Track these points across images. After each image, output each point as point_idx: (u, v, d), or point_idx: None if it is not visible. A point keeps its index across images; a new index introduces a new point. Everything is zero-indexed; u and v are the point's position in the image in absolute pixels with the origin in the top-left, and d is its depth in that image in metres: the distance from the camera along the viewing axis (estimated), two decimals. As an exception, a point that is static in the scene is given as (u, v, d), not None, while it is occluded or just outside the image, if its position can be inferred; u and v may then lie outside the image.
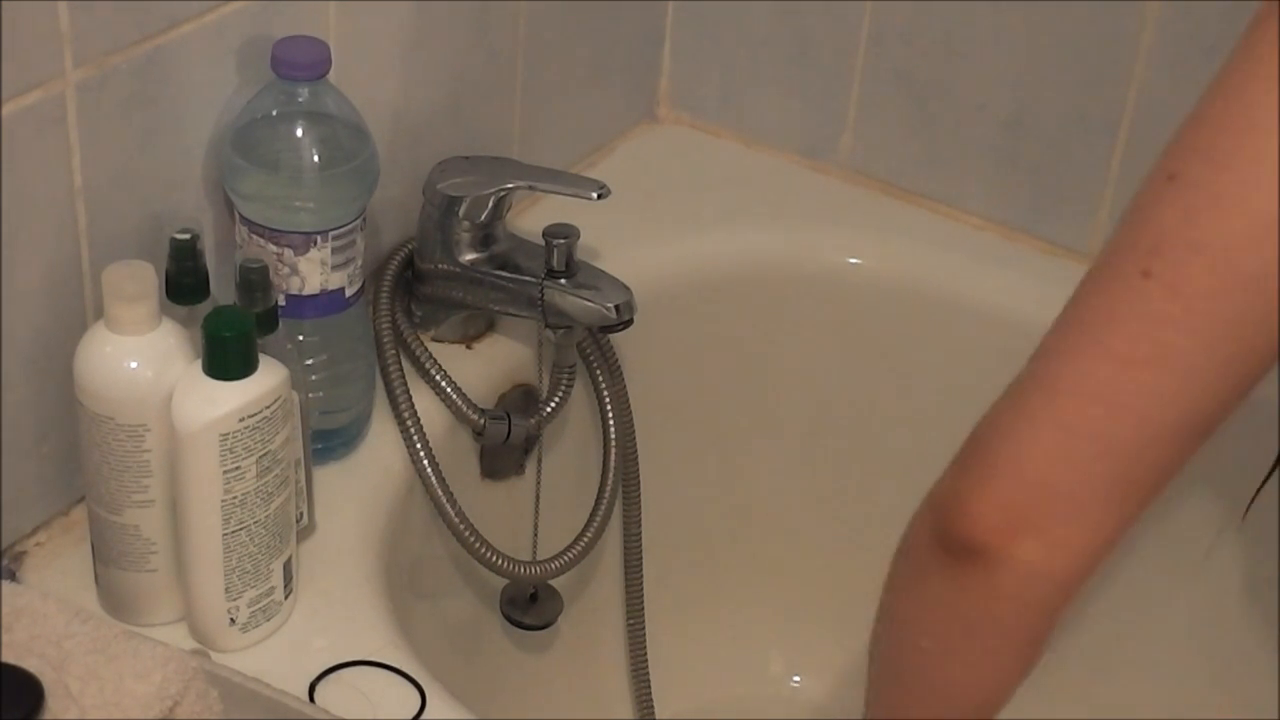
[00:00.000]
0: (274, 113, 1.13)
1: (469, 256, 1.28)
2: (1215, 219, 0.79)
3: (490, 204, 1.27)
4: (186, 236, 1.05)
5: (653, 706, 1.52)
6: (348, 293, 1.18)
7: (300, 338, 1.16)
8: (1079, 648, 1.51)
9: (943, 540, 0.88)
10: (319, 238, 1.14)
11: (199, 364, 1.01)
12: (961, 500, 0.86)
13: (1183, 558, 1.45)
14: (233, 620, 1.06)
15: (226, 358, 1.00)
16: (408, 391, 1.25)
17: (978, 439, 0.88)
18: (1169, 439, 0.83)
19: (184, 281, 1.06)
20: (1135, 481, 0.84)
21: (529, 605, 1.39)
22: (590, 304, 1.26)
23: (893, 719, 0.98)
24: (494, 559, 1.29)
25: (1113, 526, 0.84)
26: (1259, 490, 1.15)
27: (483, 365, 1.34)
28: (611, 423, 1.39)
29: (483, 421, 1.29)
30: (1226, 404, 0.83)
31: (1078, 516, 0.84)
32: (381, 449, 1.24)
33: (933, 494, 0.90)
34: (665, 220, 1.50)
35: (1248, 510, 1.21)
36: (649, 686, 1.52)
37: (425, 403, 1.26)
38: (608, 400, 1.38)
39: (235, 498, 1.02)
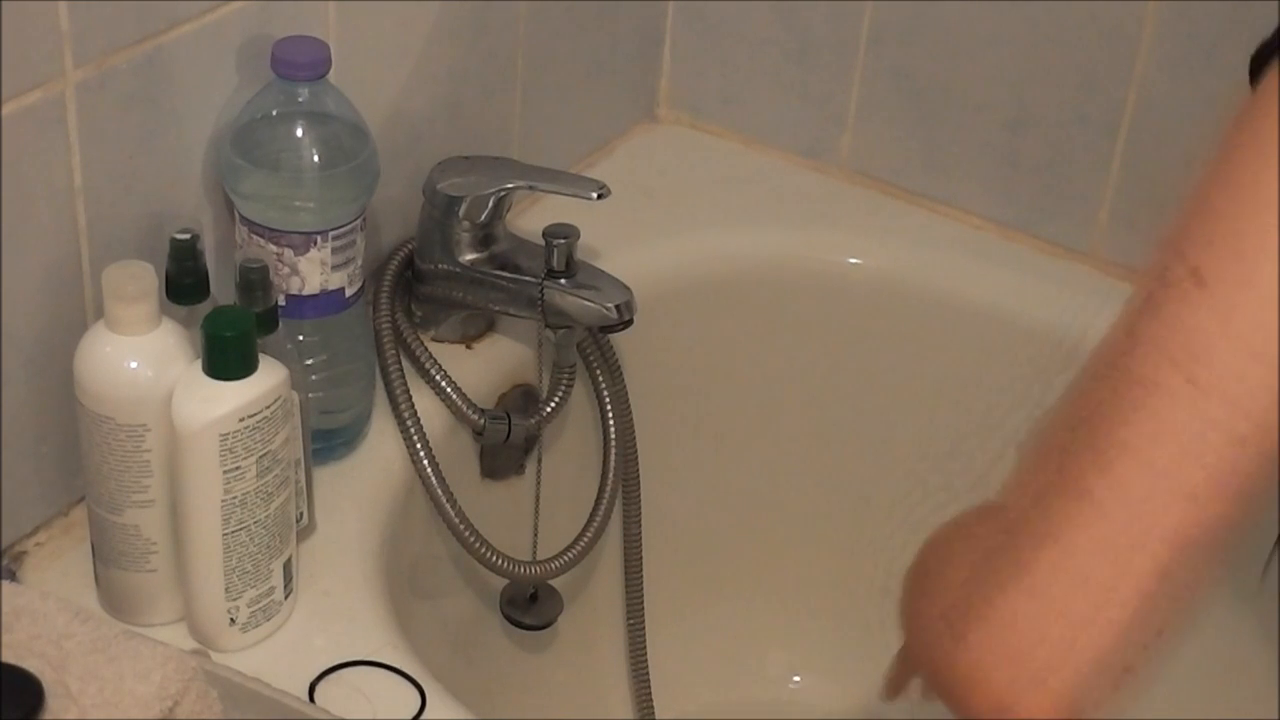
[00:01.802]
0: (274, 113, 1.13)
1: (469, 256, 1.28)
2: None
3: (490, 204, 1.27)
4: (186, 236, 1.05)
5: (653, 706, 1.52)
6: (348, 293, 1.18)
7: (300, 338, 1.16)
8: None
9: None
10: (319, 238, 1.14)
11: (199, 364, 1.01)
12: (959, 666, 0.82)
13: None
14: (233, 620, 1.06)
15: (226, 358, 1.00)
16: (408, 391, 1.25)
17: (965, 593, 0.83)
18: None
19: (184, 281, 1.06)
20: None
21: (529, 605, 1.39)
22: (590, 304, 1.26)
23: None
24: (494, 559, 1.29)
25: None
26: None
27: (483, 365, 1.34)
28: (611, 423, 1.39)
29: (483, 421, 1.29)
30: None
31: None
32: (381, 449, 1.24)
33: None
34: (665, 220, 1.50)
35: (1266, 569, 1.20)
36: (649, 686, 1.52)
37: (425, 403, 1.26)
38: (608, 400, 1.38)
39: (235, 498, 1.02)
